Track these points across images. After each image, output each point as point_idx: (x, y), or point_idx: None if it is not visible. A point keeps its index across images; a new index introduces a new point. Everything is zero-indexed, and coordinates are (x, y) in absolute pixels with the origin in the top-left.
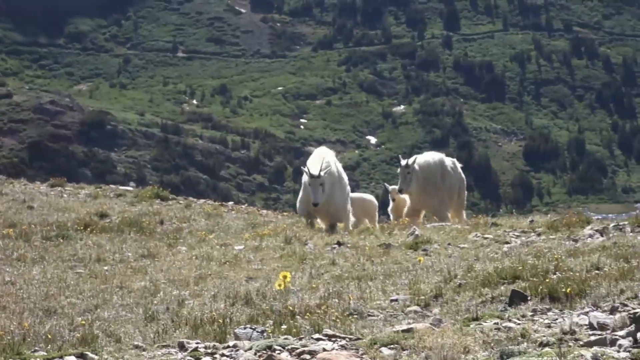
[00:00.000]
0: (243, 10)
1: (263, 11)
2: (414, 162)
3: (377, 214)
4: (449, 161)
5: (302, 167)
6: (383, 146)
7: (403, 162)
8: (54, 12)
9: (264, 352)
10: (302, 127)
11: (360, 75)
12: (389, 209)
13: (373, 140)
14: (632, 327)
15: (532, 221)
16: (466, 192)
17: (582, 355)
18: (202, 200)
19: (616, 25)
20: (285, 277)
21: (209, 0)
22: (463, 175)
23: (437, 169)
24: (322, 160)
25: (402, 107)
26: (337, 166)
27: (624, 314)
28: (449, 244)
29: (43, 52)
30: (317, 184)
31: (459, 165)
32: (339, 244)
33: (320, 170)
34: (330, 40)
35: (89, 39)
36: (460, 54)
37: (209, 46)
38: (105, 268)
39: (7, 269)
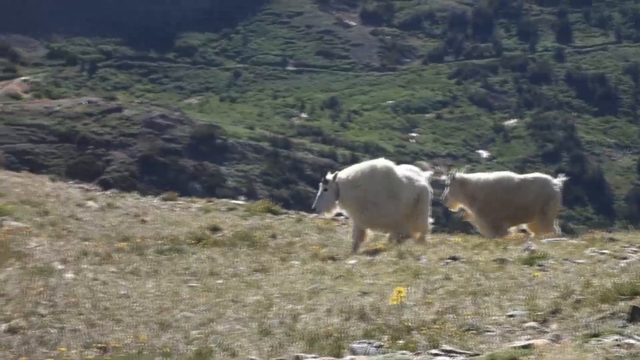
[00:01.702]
0: (353, 24)
1: (373, 24)
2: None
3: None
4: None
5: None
6: (494, 160)
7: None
8: (164, 26)
9: None
10: (412, 140)
11: (470, 88)
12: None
13: (484, 154)
14: None
15: None
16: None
17: None
18: (313, 215)
19: None
20: (399, 292)
21: (319, 14)
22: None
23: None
24: (356, 169)
25: (513, 120)
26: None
27: None
28: (565, 259)
29: (153, 66)
30: (322, 190)
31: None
32: (453, 258)
33: (333, 178)
34: (441, 53)
35: (199, 53)
36: (572, 67)
37: (319, 59)
38: (219, 282)
39: (122, 283)
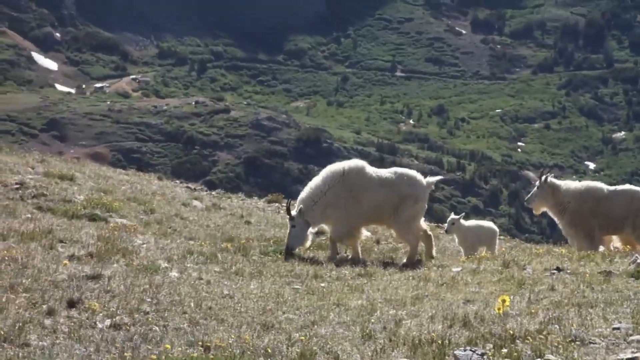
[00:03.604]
0: (463, 32)
1: (483, 32)
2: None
3: (496, 241)
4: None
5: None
6: (602, 172)
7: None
8: (274, 29)
9: None
10: (519, 150)
11: (580, 99)
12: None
13: (592, 166)
14: None
15: None
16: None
17: None
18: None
19: None
20: (504, 300)
21: (430, 21)
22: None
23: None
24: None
25: (622, 133)
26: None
27: None
28: None
29: (262, 68)
30: (290, 227)
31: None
32: (559, 269)
33: (298, 212)
34: (551, 64)
35: (308, 56)
36: None
37: (428, 66)
38: (322, 285)
39: (226, 283)
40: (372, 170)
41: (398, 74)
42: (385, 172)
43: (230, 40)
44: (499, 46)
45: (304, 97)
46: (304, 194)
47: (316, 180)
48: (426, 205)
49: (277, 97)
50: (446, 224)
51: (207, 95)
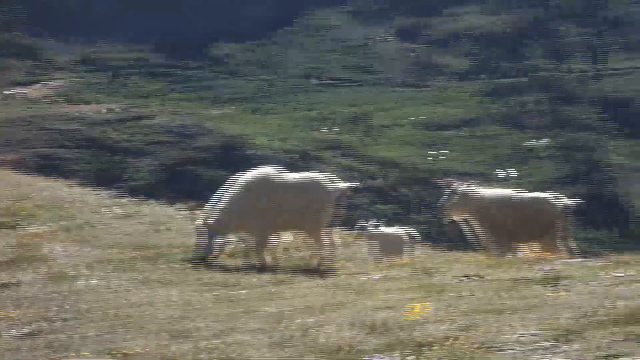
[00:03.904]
0: (385, 39)
1: (405, 40)
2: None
3: (406, 248)
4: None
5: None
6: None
7: None
8: (197, 35)
9: None
10: (434, 158)
11: (499, 107)
12: None
13: (509, 173)
14: None
15: None
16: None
17: None
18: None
19: None
20: (414, 308)
21: (351, 28)
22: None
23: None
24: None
25: (541, 141)
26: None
27: None
28: (580, 281)
29: (184, 74)
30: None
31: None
32: (467, 276)
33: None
34: (472, 71)
35: (229, 63)
36: (603, 89)
37: (348, 73)
38: (234, 292)
39: (140, 290)
40: (280, 176)
41: (319, 81)
42: (294, 177)
43: (152, 46)
44: (418, 53)
45: (225, 103)
46: (213, 202)
47: (225, 189)
48: (335, 211)
49: (199, 104)
50: (356, 231)
51: (128, 101)
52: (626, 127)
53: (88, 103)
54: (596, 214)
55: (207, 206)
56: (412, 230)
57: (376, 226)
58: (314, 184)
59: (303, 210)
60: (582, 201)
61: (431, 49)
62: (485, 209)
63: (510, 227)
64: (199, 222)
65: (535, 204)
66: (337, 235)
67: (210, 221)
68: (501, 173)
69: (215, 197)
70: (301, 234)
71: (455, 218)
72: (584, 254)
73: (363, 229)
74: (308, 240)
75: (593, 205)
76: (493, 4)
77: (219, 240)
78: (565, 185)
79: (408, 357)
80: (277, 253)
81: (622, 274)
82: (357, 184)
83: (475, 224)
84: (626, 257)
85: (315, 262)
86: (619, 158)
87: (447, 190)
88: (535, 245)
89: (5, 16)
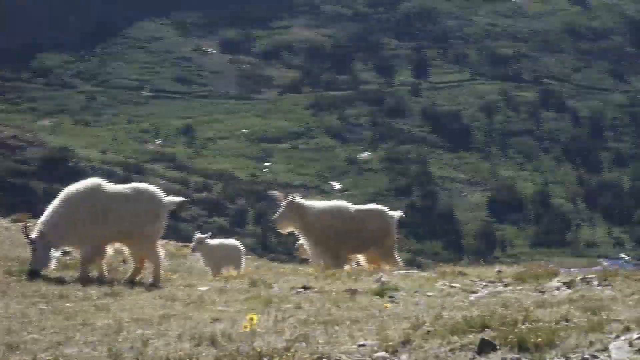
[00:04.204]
0: (211, 51)
1: (231, 52)
2: None
3: (242, 259)
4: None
5: None
6: (347, 192)
7: None
8: (20, 46)
9: None
10: (266, 170)
11: (326, 120)
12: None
13: (337, 185)
14: None
15: (499, 271)
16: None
17: None
18: (164, 241)
19: (585, 79)
20: (251, 319)
21: (178, 40)
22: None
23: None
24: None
25: (367, 153)
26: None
27: None
28: (416, 292)
29: (7, 85)
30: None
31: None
32: (305, 288)
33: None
34: (298, 84)
35: (55, 74)
36: (428, 102)
37: (176, 86)
38: (69, 305)
39: None
40: (110, 187)
41: (146, 93)
42: (125, 189)
43: None
44: (247, 66)
45: (50, 115)
46: (44, 216)
47: (55, 203)
48: (165, 224)
49: (22, 115)
50: (192, 243)
51: None
52: (450, 140)
53: None
54: (422, 225)
55: (40, 218)
56: (237, 243)
57: (211, 238)
58: (143, 194)
59: (131, 221)
60: (403, 214)
61: (259, 61)
62: (315, 221)
63: (341, 238)
64: (32, 234)
65: (370, 215)
66: (170, 247)
67: (42, 233)
68: (334, 185)
69: (49, 209)
70: (131, 247)
71: (287, 230)
72: (412, 265)
73: (200, 240)
74: (139, 252)
75: (419, 217)
76: (319, 18)
77: (53, 252)
78: (389, 198)
79: None
80: (110, 265)
81: (446, 286)
82: (182, 199)
83: (307, 235)
84: (448, 268)
85: (149, 274)
86: (443, 170)
87: (283, 203)
88: (370, 256)
89: None
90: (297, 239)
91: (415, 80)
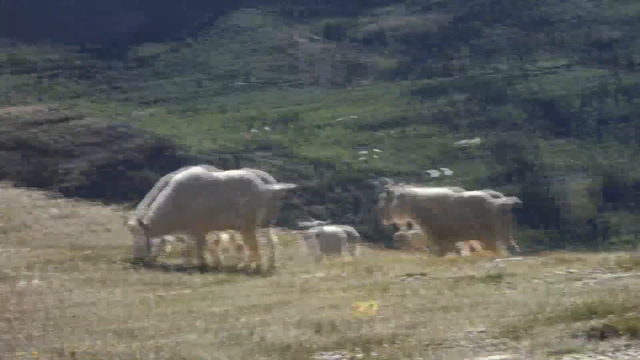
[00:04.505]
0: (310, 39)
1: (330, 40)
2: None
3: (347, 246)
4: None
5: None
6: (451, 179)
7: None
8: (124, 36)
9: None
10: (368, 157)
11: (429, 107)
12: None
13: (441, 172)
14: None
15: (618, 257)
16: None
17: None
18: (276, 228)
19: None
20: (370, 305)
21: (276, 28)
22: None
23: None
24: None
25: (471, 140)
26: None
27: None
28: (534, 278)
29: (113, 75)
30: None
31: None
32: (416, 274)
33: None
34: (400, 71)
35: (156, 64)
36: (532, 88)
37: (275, 74)
38: (187, 292)
39: (82, 290)
40: (209, 175)
41: (244, 82)
42: (228, 176)
43: (77, 47)
44: (344, 54)
45: (153, 104)
46: (145, 204)
47: (155, 192)
48: (269, 210)
49: (128, 105)
50: (308, 230)
51: (55, 103)
52: (556, 126)
53: (14, 105)
54: (530, 212)
55: (140, 207)
56: (352, 229)
57: (316, 226)
58: (246, 181)
59: (236, 208)
60: (518, 200)
61: (358, 48)
62: (423, 209)
63: (449, 226)
64: (133, 222)
65: (473, 202)
66: (275, 235)
67: (145, 222)
68: (434, 173)
69: (148, 197)
70: (240, 233)
71: (396, 221)
72: (523, 251)
73: (304, 228)
74: (249, 239)
75: (526, 204)
76: (418, 4)
77: (156, 240)
78: (497, 185)
79: (357, 355)
80: (217, 252)
81: (563, 272)
82: (291, 185)
83: (417, 223)
84: (565, 254)
85: (255, 261)
86: (549, 157)
87: (383, 194)
88: (476, 243)
89: None
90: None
91: (516, 65)
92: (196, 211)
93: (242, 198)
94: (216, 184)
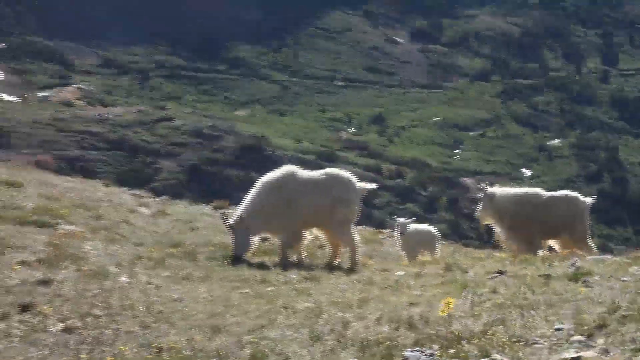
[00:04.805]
0: (401, 41)
1: (421, 42)
2: None
3: (437, 244)
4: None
5: None
6: (538, 179)
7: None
8: (216, 38)
9: None
10: (457, 157)
11: (515, 107)
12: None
13: (528, 172)
14: None
15: None
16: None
17: None
18: (359, 226)
19: None
20: (448, 303)
21: (368, 30)
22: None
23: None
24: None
25: (557, 140)
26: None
27: None
28: (610, 276)
29: (203, 77)
30: (233, 237)
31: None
32: (500, 272)
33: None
34: (487, 72)
35: (249, 65)
36: (616, 89)
37: (367, 75)
38: (270, 289)
39: (174, 287)
40: (304, 174)
41: (337, 83)
42: (318, 175)
43: (172, 49)
44: (436, 55)
45: (244, 105)
46: (243, 204)
47: (253, 191)
48: (359, 209)
49: (219, 106)
50: (398, 227)
51: (149, 103)
52: (638, 126)
53: (112, 105)
54: (613, 211)
55: (238, 205)
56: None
57: (409, 223)
58: (336, 180)
59: (329, 206)
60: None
61: (448, 50)
62: (507, 208)
63: (533, 224)
64: (231, 221)
65: (562, 201)
66: (365, 232)
67: (241, 220)
68: (525, 172)
69: (246, 196)
70: (327, 232)
71: (490, 223)
72: (603, 250)
73: (399, 226)
74: (335, 237)
75: (609, 203)
76: (507, 6)
77: (253, 237)
78: (578, 184)
79: (449, 350)
80: (302, 251)
81: (639, 271)
82: (374, 186)
83: (500, 221)
84: None
85: (347, 259)
86: (633, 156)
87: (479, 195)
88: (562, 241)
89: (23, 21)
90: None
91: (603, 66)
92: (300, 208)
93: (343, 195)
94: (316, 181)
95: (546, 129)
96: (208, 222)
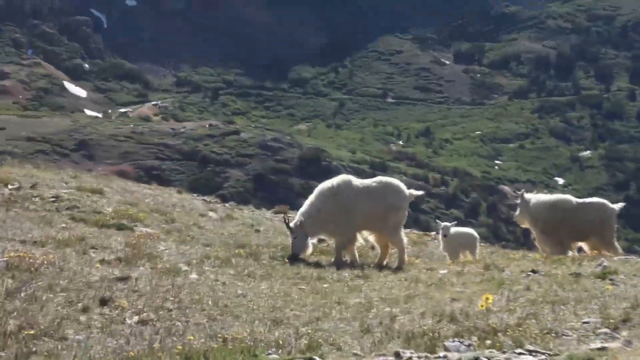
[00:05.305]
0: (447, 62)
1: (465, 63)
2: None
3: (477, 246)
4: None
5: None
6: (570, 187)
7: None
8: (279, 60)
9: None
10: (497, 167)
11: (551, 122)
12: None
13: (561, 181)
14: None
15: None
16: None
17: None
18: (407, 230)
19: None
20: (487, 298)
21: (417, 53)
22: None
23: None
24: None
25: (588, 152)
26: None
27: None
28: (635, 275)
29: (268, 95)
30: (292, 238)
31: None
32: (534, 271)
33: (298, 224)
34: (525, 91)
35: (310, 84)
36: None
37: (416, 93)
38: (325, 285)
39: (239, 284)
40: (358, 182)
41: (389, 100)
42: (371, 183)
43: (240, 70)
44: (478, 75)
45: (305, 120)
46: (302, 209)
47: (312, 197)
48: (407, 214)
49: (282, 121)
50: (441, 230)
51: (219, 119)
52: None
53: (185, 120)
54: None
55: (299, 210)
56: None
57: (453, 226)
58: (389, 187)
59: (383, 212)
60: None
61: (489, 71)
62: (540, 212)
63: (564, 228)
64: (292, 224)
65: (592, 207)
66: (412, 235)
67: (301, 223)
68: (559, 180)
69: (305, 204)
70: (378, 234)
71: (527, 226)
72: (630, 252)
73: (443, 229)
74: (385, 239)
75: (636, 209)
76: (543, 32)
77: (311, 239)
78: (607, 192)
79: (486, 341)
80: (354, 252)
81: None
82: (421, 193)
83: (533, 225)
84: None
85: (395, 259)
86: None
87: (517, 201)
88: (591, 244)
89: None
90: (526, 229)
91: (631, 85)
92: (356, 214)
93: (395, 202)
94: (370, 189)
95: (578, 142)
96: (270, 225)
